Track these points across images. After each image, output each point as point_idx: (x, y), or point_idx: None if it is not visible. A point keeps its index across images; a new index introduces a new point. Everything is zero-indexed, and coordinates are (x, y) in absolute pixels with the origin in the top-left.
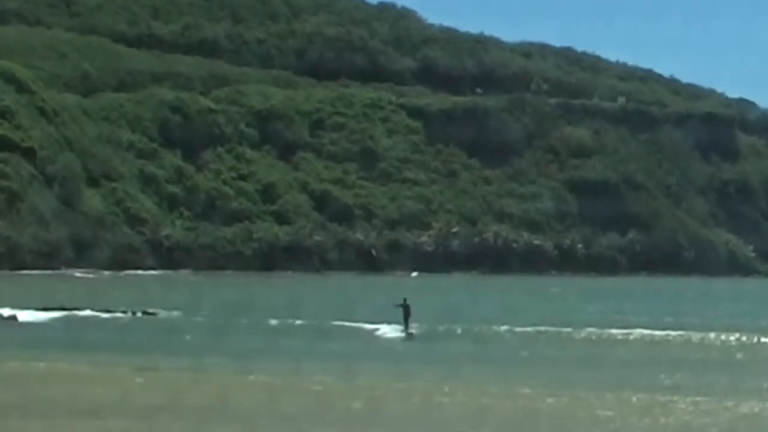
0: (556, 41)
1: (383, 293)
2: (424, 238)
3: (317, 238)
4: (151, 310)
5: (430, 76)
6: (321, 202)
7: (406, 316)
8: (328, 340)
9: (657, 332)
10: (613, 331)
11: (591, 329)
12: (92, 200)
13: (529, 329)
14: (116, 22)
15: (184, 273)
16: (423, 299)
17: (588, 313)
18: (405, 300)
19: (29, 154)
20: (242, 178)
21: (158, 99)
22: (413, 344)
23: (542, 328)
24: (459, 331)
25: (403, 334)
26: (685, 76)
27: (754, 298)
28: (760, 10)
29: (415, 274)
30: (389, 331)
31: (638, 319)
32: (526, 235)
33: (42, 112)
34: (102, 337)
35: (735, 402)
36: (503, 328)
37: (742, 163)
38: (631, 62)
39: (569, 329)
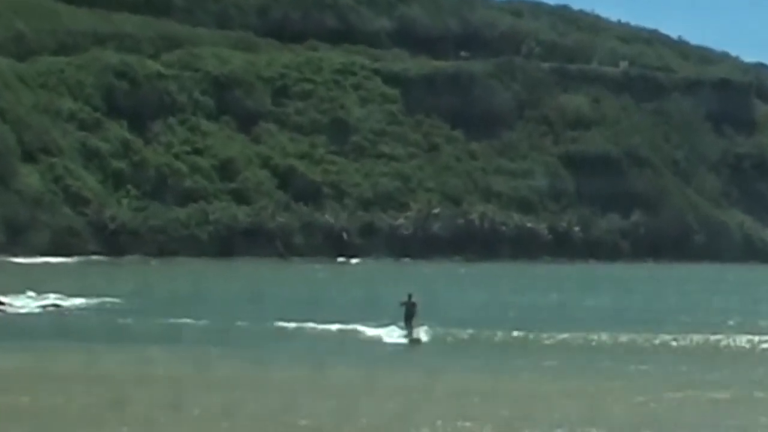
0: None
1: (356, 284)
2: (401, 220)
3: (281, 219)
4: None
5: (408, 38)
6: (285, 179)
7: (408, 315)
8: (277, 350)
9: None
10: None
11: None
12: (28, 178)
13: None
14: None
15: (132, 259)
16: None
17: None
18: (410, 296)
19: None
20: (197, 152)
21: (102, 63)
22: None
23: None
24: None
25: (405, 339)
26: (695, 38)
27: None
28: None
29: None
30: (366, 331)
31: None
32: (516, 216)
33: None
34: None
35: None
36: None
37: (759, 136)
38: (634, 22)
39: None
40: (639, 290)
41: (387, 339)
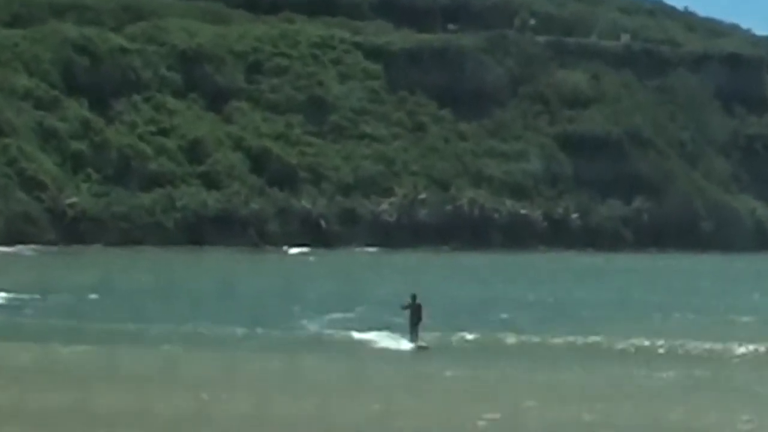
0: None
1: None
2: (384, 207)
3: (254, 206)
4: None
5: (391, 9)
6: (259, 162)
7: (414, 320)
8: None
9: None
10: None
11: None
12: None
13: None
14: None
15: (93, 248)
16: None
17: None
18: (414, 298)
19: None
20: (163, 132)
21: (60, 37)
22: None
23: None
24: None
25: (409, 346)
26: (703, 9)
27: None
28: None
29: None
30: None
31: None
32: (509, 202)
33: None
34: None
35: None
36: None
37: None
38: None
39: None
40: (644, 283)
41: (385, 345)
